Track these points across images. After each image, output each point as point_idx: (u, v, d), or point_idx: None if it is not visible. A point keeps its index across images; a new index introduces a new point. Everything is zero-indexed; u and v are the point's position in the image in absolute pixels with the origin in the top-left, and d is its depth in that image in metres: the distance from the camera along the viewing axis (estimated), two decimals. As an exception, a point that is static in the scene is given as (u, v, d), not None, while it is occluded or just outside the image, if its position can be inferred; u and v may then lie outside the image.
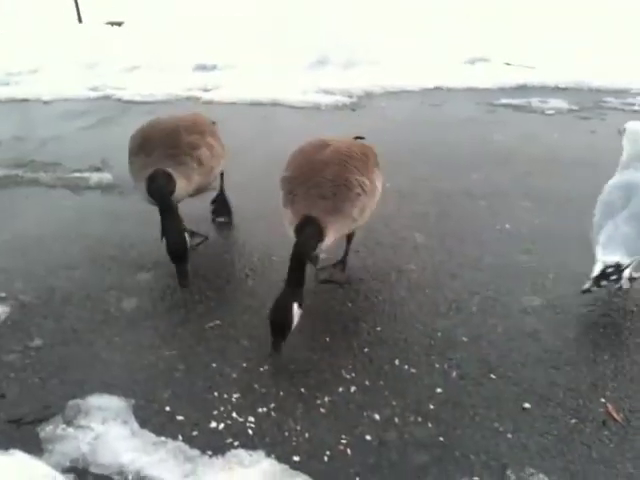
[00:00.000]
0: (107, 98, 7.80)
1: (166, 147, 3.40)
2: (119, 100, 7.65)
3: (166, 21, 10.72)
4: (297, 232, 2.91)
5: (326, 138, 3.28)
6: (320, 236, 2.90)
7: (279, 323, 2.76)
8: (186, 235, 3.24)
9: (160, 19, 10.93)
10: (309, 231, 2.88)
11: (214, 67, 8.85)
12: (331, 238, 2.99)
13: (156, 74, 8.76)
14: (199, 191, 3.63)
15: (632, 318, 3.07)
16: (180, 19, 10.68)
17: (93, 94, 7.98)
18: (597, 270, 2.83)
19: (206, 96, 7.58)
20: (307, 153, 3.18)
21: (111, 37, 10.41)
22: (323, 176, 3.00)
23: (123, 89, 8.02)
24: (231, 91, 7.67)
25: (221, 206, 4.20)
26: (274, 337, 2.77)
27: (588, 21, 8.61)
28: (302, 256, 2.83)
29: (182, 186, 3.38)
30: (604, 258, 2.83)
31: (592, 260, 2.93)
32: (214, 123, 3.90)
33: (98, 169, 5.24)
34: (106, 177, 5.03)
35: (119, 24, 11.66)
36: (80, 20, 12.75)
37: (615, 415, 2.50)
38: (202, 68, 8.85)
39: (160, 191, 3.28)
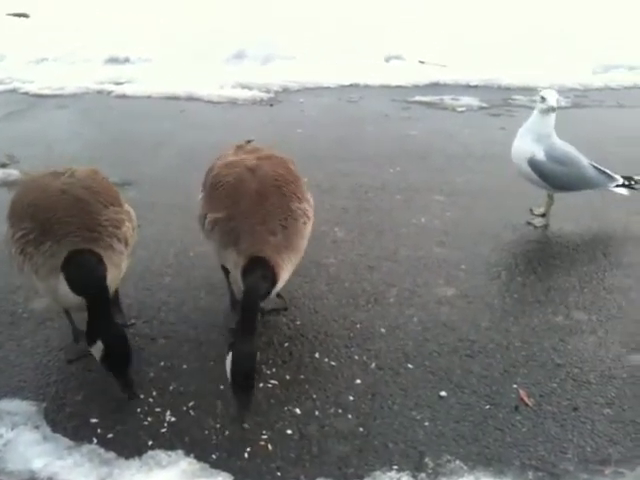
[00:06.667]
0: (14, 91, 7.45)
1: (83, 229, 2.51)
2: (26, 93, 7.33)
3: (74, 13, 10.35)
4: (246, 276, 2.58)
5: (234, 160, 2.94)
6: (273, 279, 2.60)
7: (249, 384, 2.38)
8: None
9: (68, 11, 10.54)
10: (260, 274, 2.55)
11: (127, 60, 8.60)
12: (284, 279, 2.71)
13: (66, 67, 8.44)
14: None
15: (540, 306, 3.19)
16: (89, 11, 10.34)
17: (-2, 87, 7.62)
18: (620, 180, 3.85)
19: (119, 89, 7.37)
20: (233, 186, 2.78)
21: (17, 29, 9.96)
22: (266, 209, 2.69)
23: (30, 82, 7.68)
24: (145, 85, 7.49)
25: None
26: (242, 399, 2.39)
27: (497, 21, 8.89)
28: (255, 304, 2.52)
29: (114, 277, 2.59)
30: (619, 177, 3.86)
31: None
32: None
33: (4, 165, 5.00)
34: (13, 173, 4.80)
35: (25, 16, 11.18)
36: (-17, 10, 12.15)
37: (527, 400, 2.59)
38: (114, 61, 8.58)
39: (96, 279, 2.45)
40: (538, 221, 3.98)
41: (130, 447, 2.36)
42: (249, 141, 3.34)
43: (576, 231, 3.92)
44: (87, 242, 2.50)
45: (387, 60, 8.34)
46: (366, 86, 7.52)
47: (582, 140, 4.17)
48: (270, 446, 2.38)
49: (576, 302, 3.22)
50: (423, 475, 2.26)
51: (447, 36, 8.54)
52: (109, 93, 7.28)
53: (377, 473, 2.27)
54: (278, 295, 3.18)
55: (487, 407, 2.56)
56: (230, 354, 2.38)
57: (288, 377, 2.73)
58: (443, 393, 2.64)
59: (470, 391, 2.65)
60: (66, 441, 2.39)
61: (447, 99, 6.84)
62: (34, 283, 2.59)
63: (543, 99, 3.67)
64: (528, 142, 3.75)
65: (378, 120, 6.20)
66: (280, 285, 2.69)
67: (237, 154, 3.04)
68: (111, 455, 2.33)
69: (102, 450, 2.35)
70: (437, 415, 2.52)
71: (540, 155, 3.72)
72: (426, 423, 2.49)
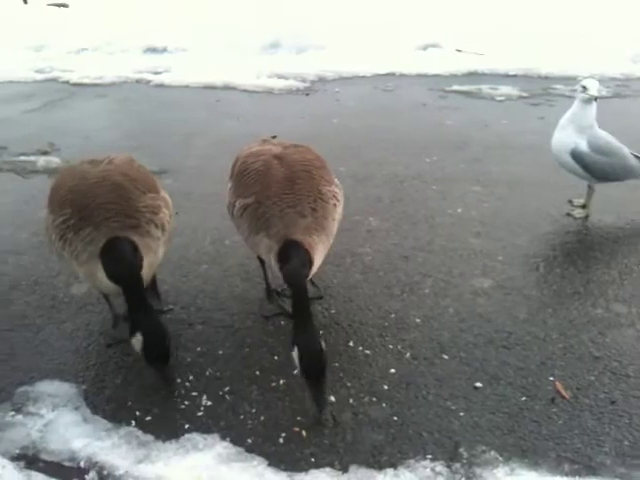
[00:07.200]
0: (54, 80, 7.61)
1: (122, 215, 2.55)
2: (67, 82, 7.48)
3: (112, 3, 10.48)
4: (282, 261, 2.56)
5: (260, 148, 2.95)
6: (310, 261, 2.57)
7: (321, 376, 2.36)
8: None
9: (106, 1, 10.67)
10: (297, 259, 2.53)
11: (164, 50, 8.71)
12: (317, 263, 2.66)
13: (105, 56, 8.59)
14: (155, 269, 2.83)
15: (579, 298, 3.14)
16: (127, 1, 10.45)
17: (39, 76, 7.78)
18: None
19: (157, 79, 7.45)
20: (261, 172, 2.78)
21: (57, 19, 10.14)
22: (295, 193, 2.68)
23: (71, 71, 7.83)
24: (183, 74, 7.57)
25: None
26: (315, 389, 2.38)
27: (535, 9, 8.73)
28: (302, 290, 2.48)
29: (152, 263, 2.64)
30: None
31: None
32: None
33: (45, 152, 5.11)
34: (54, 161, 4.91)
35: (65, 6, 11.36)
36: (26, 2, 12.39)
37: (563, 393, 2.56)
38: (152, 50, 8.69)
39: (130, 269, 2.48)
40: (578, 212, 3.91)
41: (167, 430, 2.40)
42: (274, 137, 3.35)
43: (617, 223, 3.85)
44: (126, 228, 2.53)
45: (424, 49, 8.27)
46: (402, 75, 7.47)
47: (624, 131, 4.08)
48: (304, 432, 2.40)
49: (616, 295, 3.16)
50: (458, 465, 2.25)
51: (485, 24, 8.42)
52: (147, 82, 7.38)
53: (411, 462, 2.27)
54: (312, 283, 3.20)
55: (523, 399, 2.54)
56: (296, 350, 2.36)
57: (323, 365, 2.73)
58: (478, 384, 2.62)
59: (506, 383, 2.62)
60: (105, 423, 2.44)
61: (485, 88, 6.75)
62: (74, 268, 2.63)
63: (584, 88, 3.60)
64: (570, 133, 3.68)
65: (414, 109, 6.16)
66: (314, 269, 2.68)
67: (263, 145, 3.04)
68: (149, 437, 2.37)
69: (140, 432, 2.39)
70: (472, 406, 2.51)
71: (583, 146, 3.65)
72: (461, 413, 2.47)
